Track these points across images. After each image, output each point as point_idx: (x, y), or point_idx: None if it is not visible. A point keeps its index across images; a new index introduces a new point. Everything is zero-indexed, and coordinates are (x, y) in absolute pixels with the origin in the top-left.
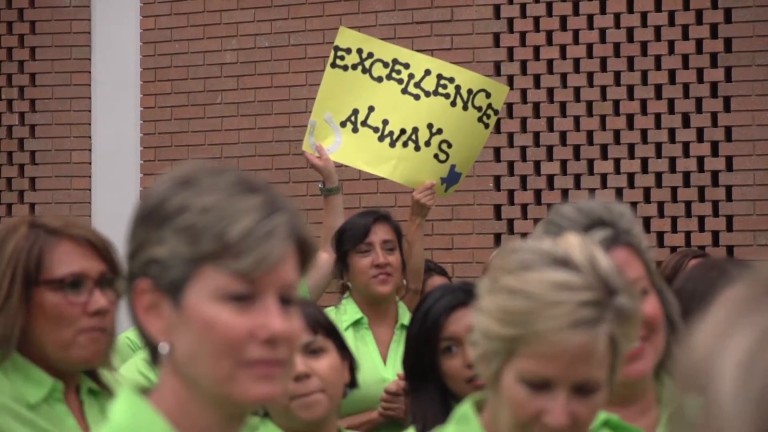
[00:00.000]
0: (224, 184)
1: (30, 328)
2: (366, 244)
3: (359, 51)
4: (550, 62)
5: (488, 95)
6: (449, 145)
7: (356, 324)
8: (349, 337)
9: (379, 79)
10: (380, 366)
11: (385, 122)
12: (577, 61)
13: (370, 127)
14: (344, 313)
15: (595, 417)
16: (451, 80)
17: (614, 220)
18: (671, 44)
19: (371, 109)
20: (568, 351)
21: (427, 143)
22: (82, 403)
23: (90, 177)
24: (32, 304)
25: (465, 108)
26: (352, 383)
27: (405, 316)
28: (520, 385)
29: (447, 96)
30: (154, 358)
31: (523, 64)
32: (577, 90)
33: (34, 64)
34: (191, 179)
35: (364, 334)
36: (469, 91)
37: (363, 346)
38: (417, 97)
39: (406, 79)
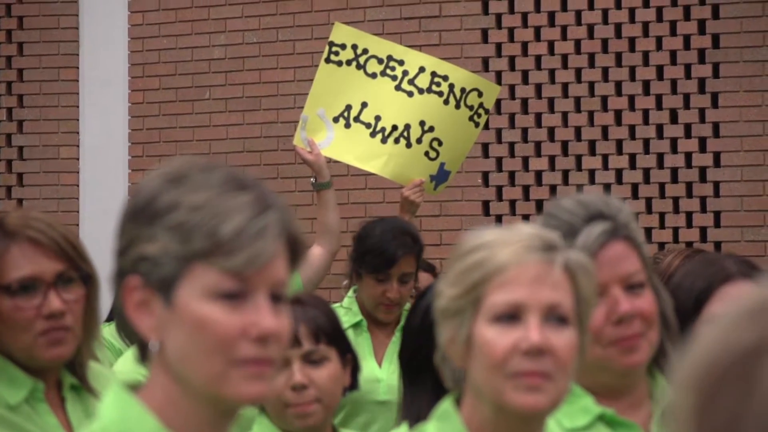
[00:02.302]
0: (215, 181)
1: None
2: (385, 274)
3: (354, 47)
4: (538, 58)
5: (480, 94)
6: (440, 143)
7: (355, 326)
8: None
9: (373, 76)
10: (375, 368)
11: (378, 118)
12: (565, 57)
13: (362, 122)
14: (345, 314)
15: (572, 356)
16: (445, 78)
17: (613, 213)
18: (659, 40)
19: (364, 104)
20: (529, 271)
21: (419, 140)
22: (64, 400)
23: (78, 173)
24: None
25: (457, 106)
26: (353, 385)
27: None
28: (491, 327)
29: (440, 94)
30: (143, 355)
31: (512, 59)
32: (565, 86)
33: (22, 60)
34: (182, 176)
35: (361, 335)
36: (462, 90)
37: (360, 349)
38: (410, 94)
39: (400, 75)
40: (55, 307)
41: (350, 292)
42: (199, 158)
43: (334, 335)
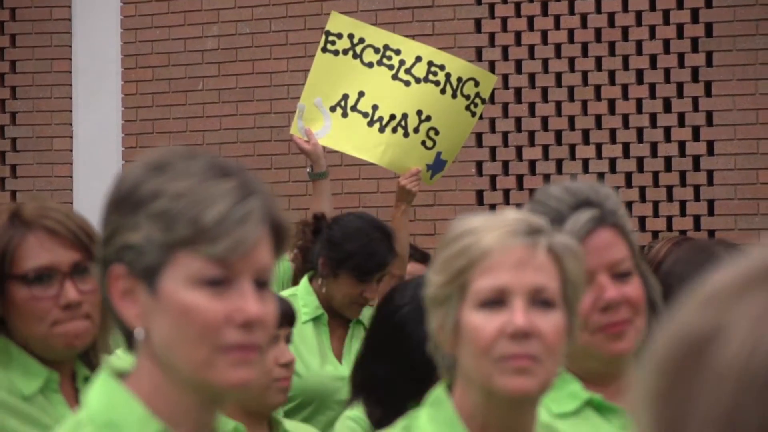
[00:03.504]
0: (197, 168)
1: (11, 322)
2: (369, 276)
3: (350, 36)
4: (531, 48)
5: (477, 84)
6: (437, 132)
7: (315, 320)
8: (308, 331)
9: (370, 65)
10: (338, 366)
11: (375, 107)
12: (558, 47)
13: (359, 112)
14: (304, 305)
15: (559, 339)
16: (442, 68)
17: (601, 200)
18: (652, 29)
19: (361, 94)
20: (513, 255)
21: (416, 130)
22: (78, 392)
23: (71, 164)
24: (7, 298)
25: (454, 96)
26: None
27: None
28: (478, 312)
29: (437, 83)
30: (130, 343)
31: (505, 49)
32: (558, 75)
33: (15, 51)
34: (164, 164)
35: (322, 330)
36: (459, 80)
37: (321, 343)
38: (407, 83)
39: (396, 65)
40: (71, 297)
41: (305, 282)
42: (181, 146)
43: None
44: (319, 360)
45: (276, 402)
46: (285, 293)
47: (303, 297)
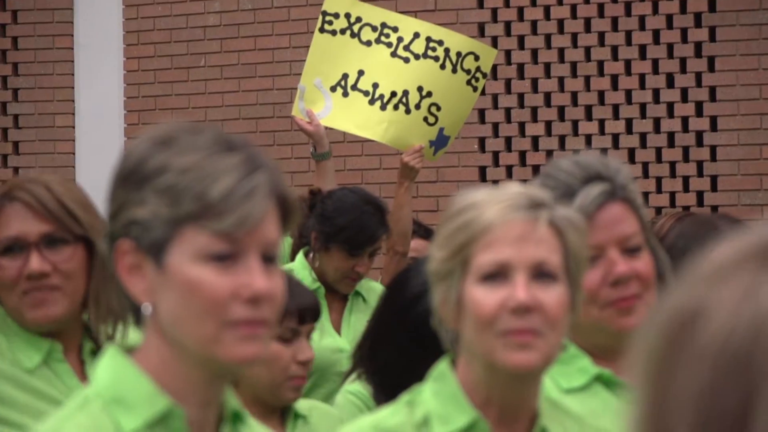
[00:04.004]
0: (203, 143)
1: None
2: (361, 250)
3: (347, 15)
4: (534, 23)
5: (477, 58)
6: (438, 108)
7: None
8: None
9: (368, 43)
10: (337, 338)
11: (375, 86)
12: (561, 22)
13: (360, 91)
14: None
15: (562, 312)
16: (440, 43)
17: (611, 174)
18: (655, 4)
19: (361, 73)
20: (514, 230)
21: (417, 106)
22: (84, 363)
23: (74, 141)
24: None
25: (454, 71)
26: None
27: (360, 285)
28: (480, 287)
29: (436, 59)
30: (137, 318)
31: (507, 24)
32: (561, 51)
33: (16, 28)
34: (170, 139)
35: (321, 304)
36: (458, 54)
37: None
38: (407, 60)
39: (395, 42)
40: (34, 267)
41: (300, 258)
42: (187, 121)
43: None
44: (318, 332)
45: (288, 399)
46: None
47: (299, 272)
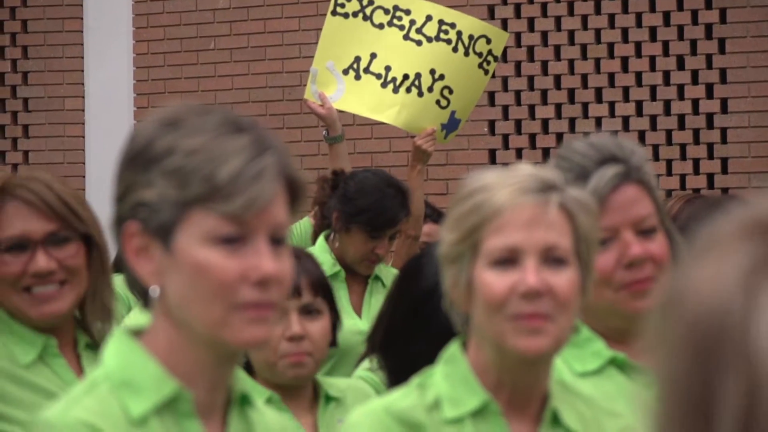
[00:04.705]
0: (211, 124)
1: None
2: (381, 232)
3: None
4: (544, 5)
5: (489, 41)
6: (450, 91)
7: (333, 276)
8: None
9: (381, 26)
10: (357, 320)
11: (388, 68)
12: (571, 4)
13: (372, 73)
14: (321, 263)
15: (572, 296)
16: (453, 26)
17: (626, 156)
18: None
19: (373, 56)
20: (524, 213)
21: (430, 89)
22: (80, 358)
23: (83, 124)
24: None
25: (466, 54)
26: (333, 342)
27: (380, 269)
28: (490, 271)
29: (449, 42)
30: (146, 301)
31: (517, 7)
32: (571, 33)
33: (26, 11)
34: (178, 120)
35: (340, 287)
36: (470, 37)
37: (339, 299)
38: (419, 43)
39: (407, 25)
40: (40, 266)
41: (321, 240)
42: (195, 103)
43: (328, 290)
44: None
45: (289, 377)
46: None
47: (319, 255)
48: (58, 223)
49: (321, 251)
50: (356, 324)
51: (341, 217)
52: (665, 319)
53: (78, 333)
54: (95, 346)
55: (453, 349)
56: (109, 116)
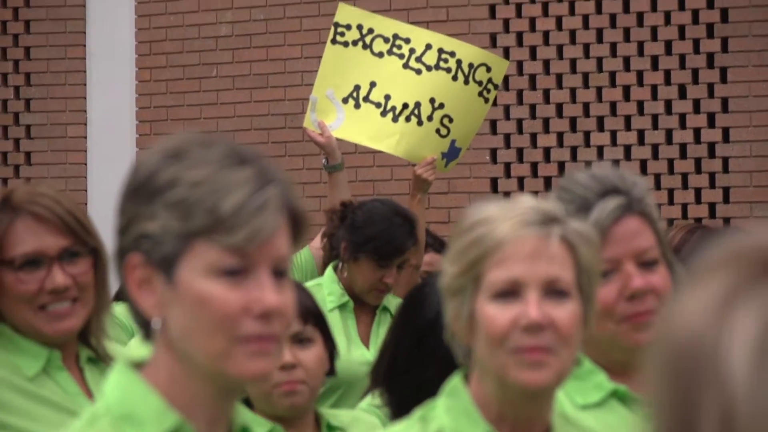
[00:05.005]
0: (215, 156)
1: (3, 307)
2: (389, 261)
3: (359, 27)
4: (546, 34)
5: (489, 69)
6: (450, 120)
7: (341, 307)
8: (335, 319)
9: (380, 55)
10: (364, 351)
11: (387, 97)
12: (573, 33)
13: (372, 102)
14: (329, 294)
15: (574, 329)
16: (452, 54)
17: (628, 188)
18: (667, 15)
19: (373, 84)
20: (526, 246)
21: (429, 118)
22: (83, 371)
23: (85, 151)
24: None
25: (466, 82)
26: (331, 371)
27: (388, 299)
28: (492, 304)
29: (448, 70)
30: (147, 333)
31: (519, 35)
32: (573, 62)
33: (29, 38)
34: (181, 152)
35: (348, 317)
36: (470, 66)
37: (347, 329)
38: (419, 71)
39: (407, 54)
40: (58, 282)
41: (329, 271)
42: (198, 133)
43: (319, 318)
44: (346, 345)
45: (284, 407)
46: (310, 284)
47: (328, 286)
48: (70, 238)
49: (330, 282)
50: (364, 354)
51: (349, 247)
52: (655, 345)
53: (80, 347)
54: (97, 359)
55: (455, 381)
56: (111, 143)
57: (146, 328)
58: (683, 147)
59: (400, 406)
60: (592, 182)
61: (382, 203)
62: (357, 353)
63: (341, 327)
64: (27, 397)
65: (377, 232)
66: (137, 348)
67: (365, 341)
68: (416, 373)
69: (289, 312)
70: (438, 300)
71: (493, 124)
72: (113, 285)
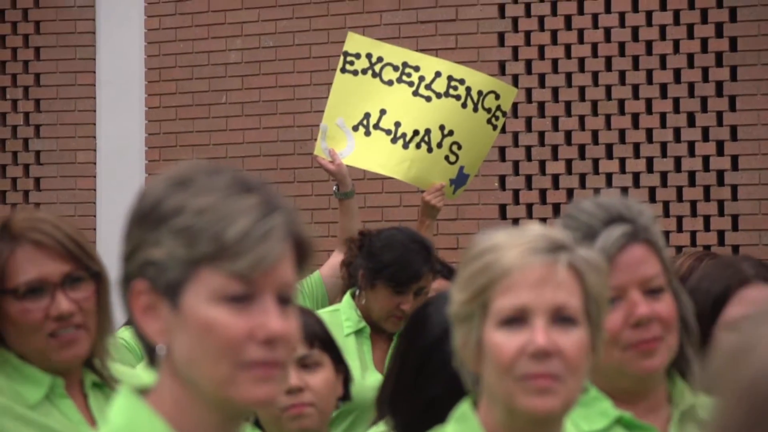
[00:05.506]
0: (220, 184)
1: (8, 336)
2: (405, 288)
3: (368, 56)
4: (555, 61)
5: (497, 97)
6: (459, 147)
7: (358, 333)
8: (351, 344)
9: (390, 83)
10: (377, 374)
11: (398, 124)
12: (582, 61)
13: (382, 129)
14: (347, 319)
15: (581, 356)
16: (462, 82)
17: (633, 216)
18: (676, 43)
19: (383, 112)
20: (533, 273)
21: (439, 145)
22: (87, 397)
23: (95, 177)
24: (2, 312)
25: (475, 110)
26: (345, 396)
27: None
28: (499, 331)
29: (458, 98)
30: (152, 359)
31: (528, 63)
32: (582, 89)
33: (39, 64)
34: (187, 179)
35: (363, 342)
36: (479, 93)
37: (362, 355)
38: (428, 98)
39: (416, 81)
40: (63, 309)
41: (347, 297)
42: (205, 161)
43: (327, 342)
44: (360, 371)
45: (292, 430)
46: (327, 309)
47: (345, 311)
48: (72, 263)
49: (347, 308)
50: (378, 380)
51: (366, 274)
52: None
53: (84, 372)
54: (102, 384)
55: (464, 407)
56: (120, 169)
57: (151, 354)
58: (692, 174)
59: (407, 428)
60: (597, 210)
61: (400, 231)
62: (371, 378)
63: (356, 352)
64: (29, 425)
65: (393, 258)
66: (144, 374)
67: (380, 367)
68: (423, 393)
69: (293, 338)
70: (442, 319)
71: (502, 150)
72: (117, 309)
